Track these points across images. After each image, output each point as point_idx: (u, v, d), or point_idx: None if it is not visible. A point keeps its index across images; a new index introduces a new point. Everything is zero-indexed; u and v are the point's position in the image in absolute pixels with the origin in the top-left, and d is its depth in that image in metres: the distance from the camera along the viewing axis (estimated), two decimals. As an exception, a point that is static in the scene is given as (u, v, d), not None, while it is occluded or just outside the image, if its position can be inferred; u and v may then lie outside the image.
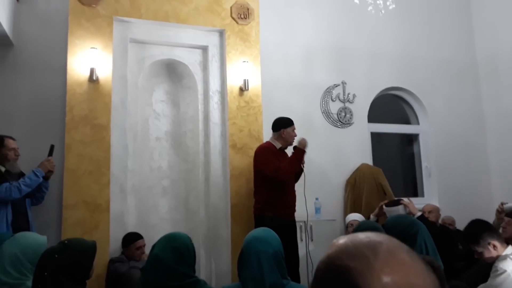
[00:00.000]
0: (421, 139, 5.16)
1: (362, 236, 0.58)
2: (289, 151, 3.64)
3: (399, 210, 3.91)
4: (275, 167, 3.32)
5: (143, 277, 1.81)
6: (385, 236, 0.58)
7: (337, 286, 0.53)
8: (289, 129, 3.54)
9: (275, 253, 1.82)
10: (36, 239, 2.12)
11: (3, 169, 3.14)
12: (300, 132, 4.35)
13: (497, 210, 3.31)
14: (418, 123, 5.20)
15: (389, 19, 5.00)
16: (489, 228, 2.48)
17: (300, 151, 3.43)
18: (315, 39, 4.70)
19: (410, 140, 5.32)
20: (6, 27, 3.50)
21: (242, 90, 3.94)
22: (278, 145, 3.54)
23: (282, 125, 3.56)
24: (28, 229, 3.08)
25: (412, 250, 0.57)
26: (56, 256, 1.69)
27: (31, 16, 3.82)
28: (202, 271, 3.61)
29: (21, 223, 3.07)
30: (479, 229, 2.47)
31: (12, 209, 3.07)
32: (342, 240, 0.59)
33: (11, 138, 3.21)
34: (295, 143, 3.56)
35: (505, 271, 2.27)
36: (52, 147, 3.29)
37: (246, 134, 3.88)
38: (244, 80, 3.92)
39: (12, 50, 3.73)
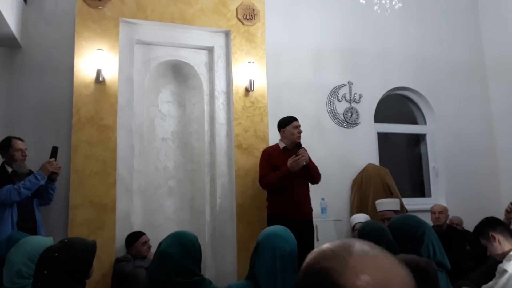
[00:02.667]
0: (428, 139, 5.12)
1: (337, 241, 0.62)
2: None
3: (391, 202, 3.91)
4: (262, 173, 3.47)
5: (150, 273, 1.81)
6: (358, 240, 0.61)
7: (317, 286, 0.56)
8: (288, 127, 3.53)
9: (291, 251, 1.82)
10: (42, 242, 2.09)
11: (10, 169, 3.17)
12: (306, 132, 4.35)
13: (506, 210, 3.28)
14: (425, 123, 5.16)
15: (396, 19, 4.98)
16: (495, 222, 2.49)
17: (285, 171, 3.30)
18: (321, 40, 4.69)
19: (417, 140, 5.28)
20: (14, 29, 3.54)
21: (247, 90, 3.94)
22: (282, 145, 3.56)
23: (282, 124, 3.58)
24: (35, 229, 3.11)
25: (384, 250, 0.60)
26: (56, 254, 1.69)
27: (39, 18, 3.87)
28: (207, 271, 3.61)
29: (28, 224, 3.10)
30: (484, 222, 2.53)
31: (19, 209, 3.10)
32: (318, 248, 0.63)
33: (19, 139, 3.23)
34: (295, 141, 3.54)
35: (507, 272, 2.25)
36: (54, 148, 3.26)
37: (252, 135, 3.89)
38: (250, 81, 3.93)
39: (20, 52, 3.77)
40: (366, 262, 0.56)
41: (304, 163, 3.34)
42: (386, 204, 3.87)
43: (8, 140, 3.19)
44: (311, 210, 3.55)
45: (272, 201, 3.46)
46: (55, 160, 3.23)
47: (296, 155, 3.36)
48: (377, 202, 3.99)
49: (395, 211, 3.79)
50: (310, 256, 0.62)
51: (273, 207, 3.44)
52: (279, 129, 3.60)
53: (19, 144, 3.19)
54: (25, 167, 3.20)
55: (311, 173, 3.53)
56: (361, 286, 0.53)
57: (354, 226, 3.88)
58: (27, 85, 3.75)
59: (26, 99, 3.73)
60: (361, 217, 3.90)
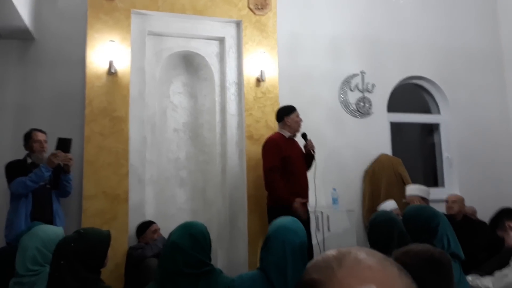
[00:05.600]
0: (442, 129, 5.05)
1: (337, 249, 0.58)
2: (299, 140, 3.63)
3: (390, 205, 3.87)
4: (271, 165, 3.34)
5: (161, 264, 1.83)
6: (358, 247, 0.58)
7: None
8: (292, 116, 3.54)
9: (301, 244, 1.82)
10: (54, 230, 2.17)
11: (30, 161, 3.24)
12: (320, 122, 4.34)
13: (521, 201, 3.23)
14: (439, 112, 5.09)
15: (410, 7, 4.90)
16: (510, 212, 2.45)
17: (289, 203, 3.26)
18: (333, 29, 4.63)
19: (431, 130, 5.21)
20: (28, 22, 3.57)
21: (259, 81, 3.93)
22: (286, 134, 3.54)
23: (284, 113, 3.56)
24: (51, 220, 3.16)
25: (388, 258, 0.56)
26: (72, 244, 1.73)
27: (52, 10, 3.89)
28: (219, 261, 3.64)
29: (44, 214, 3.15)
30: (500, 213, 2.52)
31: (35, 201, 3.16)
32: (320, 255, 0.60)
33: (40, 131, 3.30)
34: (298, 132, 3.59)
35: None
36: (59, 140, 3.23)
37: (263, 125, 3.88)
38: (261, 71, 3.91)
39: (34, 45, 3.81)
40: (355, 274, 0.52)
41: (313, 152, 3.51)
42: (415, 189, 3.81)
43: (29, 132, 3.28)
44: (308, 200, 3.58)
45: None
46: (66, 152, 3.21)
47: (306, 146, 3.58)
48: (407, 187, 3.93)
49: (423, 198, 3.72)
50: (308, 264, 0.60)
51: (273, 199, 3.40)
52: (281, 118, 3.56)
53: (38, 136, 3.26)
54: (42, 158, 3.24)
55: (311, 162, 3.61)
56: None
57: None
58: (41, 77, 3.79)
59: (40, 90, 3.77)
60: (390, 205, 3.87)
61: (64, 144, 3.22)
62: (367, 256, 0.55)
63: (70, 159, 3.26)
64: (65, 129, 3.58)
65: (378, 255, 0.56)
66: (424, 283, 0.70)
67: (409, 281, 0.53)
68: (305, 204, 3.40)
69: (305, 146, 3.60)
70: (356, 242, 4.04)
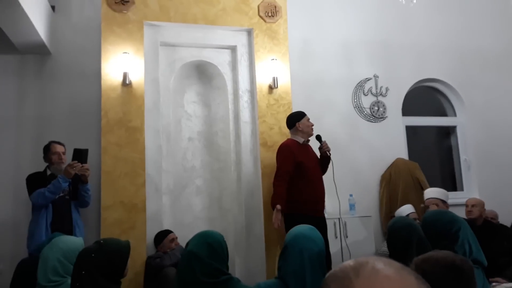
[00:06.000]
0: (458, 131, 4.99)
1: (356, 259, 0.59)
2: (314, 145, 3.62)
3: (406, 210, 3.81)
4: (285, 169, 3.34)
5: (179, 273, 1.84)
6: (376, 257, 0.58)
7: None
8: (303, 121, 3.53)
9: (319, 252, 1.81)
10: (74, 241, 2.20)
11: (49, 172, 3.31)
12: (335, 127, 4.32)
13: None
14: (455, 114, 5.02)
15: (422, 9, 4.86)
16: None
17: (275, 205, 3.31)
18: (344, 34, 4.63)
19: (447, 132, 5.15)
20: (44, 36, 3.66)
21: (271, 88, 3.94)
22: (300, 139, 3.52)
23: (296, 119, 3.55)
24: (71, 230, 3.22)
25: (406, 267, 0.56)
26: (93, 255, 1.75)
27: (66, 25, 3.99)
28: (236, 269, 3.63)
29: (63, 225, 3.21)
30: None
31: (55, 211, 3.23)
32: (339, 265, 0.61)
33: (58, 143, 3.38)
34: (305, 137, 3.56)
35: None
36: (75, 151, 3.27)
37: (277, 132, 3.88)
38: (273, 78, 3.92)
39: (50, 59, 3.90)
40: (373, 284, 0.52)
41: (329, 153, 3.51)
42: (434, 192, 3.75)
43: (48, 144, 3.36)
44: (324, 206, 3.56)
45: (298, 201, 3.35)
46: (82, 162, 3.26)
47: (321, 147, 3.56)
48: (425, 190, 3.87)
49: (443, 201, 3.66)
50: (327, 275, 0.60)
51: (293, 206, 3.35)
52: (293, 124, 3.55)
53: (57, 148, 3.34)
54: (61, 170, 3.29)
55: (327, 164, 3.58)
56: None
57: None
58: (57, 90, 3.87)
59: (57, 103, 3.85)
60: (406, 209, 3.82)
61: (80, 155, 3.27)
62: (384, 266, 0.55)
63: (87, 169, 3.30)
64: (82, 140, 3.64)
65: (396, 264, 0.56)
66: None
67: None
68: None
69: (320, 148, 3.58)
70: (375, 249, 3.99)
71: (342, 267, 0.59)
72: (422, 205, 4.06)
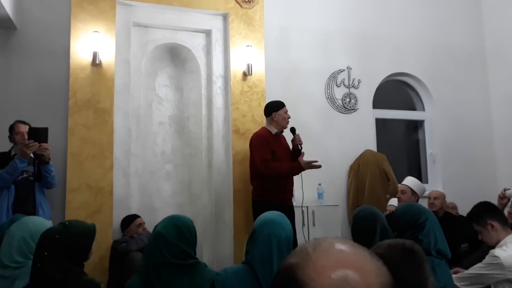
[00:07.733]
0: (426, 125, 5.12)
1: (314, 239, 0.63)
2: (287, 135, 3.63)
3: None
4: (263, 158, 3.32)
5: (146, 254, 1.83)
6: (336, 237, 0.62)
7: (282, 283, 0.58)
8: (280, 112, 3.51)
9: (287, 238, 1.83)
10: (43, 223, 2.15)
11: (13, 153, 3.18)
12: (305, 117, 4.35)
13: (499, 196, 3.29)
14: (423, 109, 5.15)
15: (396, 4, 4.93)
16: (492, 209, 2.48)
17: (297, 167, 3.32)
18: (321, 24, 4.64)
19: (416, 126, 5.28)
20: (9, 10, 3.48)
21: (245, 75, 3.92)
22: (273, 130, 3.51)
23: (273, 108, 3.52)
24: (34, 212, 3.12)
25: (359, 245, 0.60)
26: (57, 236, 1.71)
27: (34, -1, 3.80)
28: (204, 255, 3.64)
29: (25, 207, 3.10)
30: (481, 208, 2.51)
31: (18, 192, 3.13)
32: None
33: (23, 122, 3.25)
34: (289, 126, 3.57)
35: (497, 258, 2.26)
36: (31, 130, 3.11)
37: (249, 119, 3.87)
38: (248, 65, 3.90)
39: (15, 34, 3.72)
40: (329, 257, 0.56)
41: (300, 147, 3.48)
42: (409, 181, 3.80)
43: (13, 124, 3.23)
44: (293, 195, 3.61)
45: (268, 188, 3.38)
46: (40, 141, 3.08)
47: (294, 140, 3.56)
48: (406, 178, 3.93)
49: (413, 192, 3.68)
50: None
51: (265, 194, 3.37)
52: (269, 113, 3.53)
53: (20, 127, 3.21)
54: None
55: (298, 157, 3.54)
56: (320, 280, 0.54)
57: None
58: (23, 67, 3.71)
59: (22, 81, 3.69)
60: (395, 201, 3.90)
61: (37, 133, 3.10)
62: (340, 243, 0.60)
63: (46, 148, 3.12)
64: (49, 120, 3.51)
65: (351, 242, 0.60)
66: (397, 270, 0.74)
67: (380, 263, 0.58)
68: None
69: (292, 141, 3.60)
70: (341, 237, 4.07)
71: (301, 244, 0.63)
72: (387, 196, 4.17)
